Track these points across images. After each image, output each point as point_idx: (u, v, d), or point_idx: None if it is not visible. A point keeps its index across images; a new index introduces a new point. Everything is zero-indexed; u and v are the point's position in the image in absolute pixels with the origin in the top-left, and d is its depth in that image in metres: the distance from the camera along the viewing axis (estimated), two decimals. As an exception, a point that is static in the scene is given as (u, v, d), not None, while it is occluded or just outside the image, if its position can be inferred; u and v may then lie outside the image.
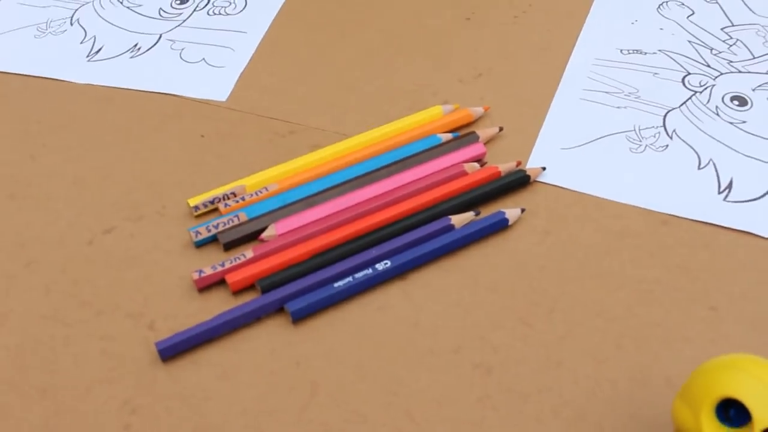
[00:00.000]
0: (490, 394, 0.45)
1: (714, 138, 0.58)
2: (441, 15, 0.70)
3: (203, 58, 0.67)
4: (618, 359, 0.46)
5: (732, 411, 0.35)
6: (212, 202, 0.54)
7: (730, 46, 0.67)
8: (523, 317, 0.48)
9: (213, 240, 0.53)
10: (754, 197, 0.54)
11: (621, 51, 0.66)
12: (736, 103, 0.61)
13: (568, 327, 0.48)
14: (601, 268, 0.51)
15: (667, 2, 0.71)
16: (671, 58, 0.65)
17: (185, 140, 0.60)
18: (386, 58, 0.66)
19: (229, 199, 0.54)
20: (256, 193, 0.54)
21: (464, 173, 0.56)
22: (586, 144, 0.58)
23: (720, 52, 0.66)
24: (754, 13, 0.70)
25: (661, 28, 0.68)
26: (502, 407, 0.44)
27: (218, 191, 0.54)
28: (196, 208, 0.54)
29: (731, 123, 0.60)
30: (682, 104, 0.61)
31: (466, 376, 0.46)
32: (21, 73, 0.67)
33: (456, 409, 0.44)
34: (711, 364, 0.36)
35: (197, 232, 0.52)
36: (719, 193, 0.55)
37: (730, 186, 0.55)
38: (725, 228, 0.53)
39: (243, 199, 0.54)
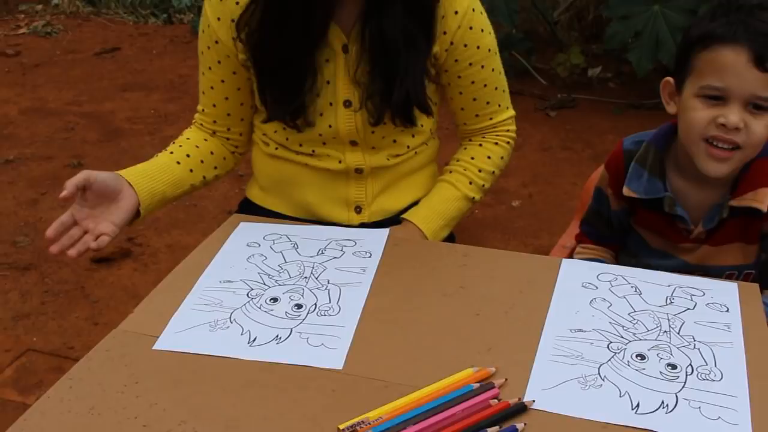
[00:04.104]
0: None
1: (628, 379, 1.03)
2: (461, 312, 1.16)
3: (322, 343, 1.11)
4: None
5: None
6: (352, 426, 0.96)
7: (634, 324, 1.13)
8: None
9: (355, 447, 0.94)
10: (652, 410, 0.98)
11: (570, 330, 1.12)
12: (639, 358, 1.06)
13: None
14: (571, 453, 0.93)
15: (595, 299, 1.19)
16: (600, 333, 1.11)
17: (321, 393, 1.02)
18: (432, 342, 1.11)
19: (362, 423, 0.96)
20: (375, 420, 0.96)
21: (489, 405, 0.99)
22: (556, 386, 1.02)
23: (628, 328, 1.12)
24: (647, 302, 1.18)
25: (593, 315, 1.15)
26: None
27: (355, 420, 0.96)
28: (345, 429, 0.95)
29: (636, 370, 1.04)
30: (608, 360, 1.06)
31: None
32: (207, 354, 1.10)
33: None
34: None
35: (348, 443, 0.93)
36: (632, 409, 0.98)
37: (638, 405, 0.99)
38: (636, 428, 0.96)
39: (368, 424, 0.96)
